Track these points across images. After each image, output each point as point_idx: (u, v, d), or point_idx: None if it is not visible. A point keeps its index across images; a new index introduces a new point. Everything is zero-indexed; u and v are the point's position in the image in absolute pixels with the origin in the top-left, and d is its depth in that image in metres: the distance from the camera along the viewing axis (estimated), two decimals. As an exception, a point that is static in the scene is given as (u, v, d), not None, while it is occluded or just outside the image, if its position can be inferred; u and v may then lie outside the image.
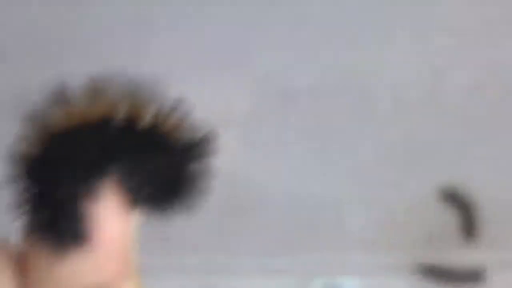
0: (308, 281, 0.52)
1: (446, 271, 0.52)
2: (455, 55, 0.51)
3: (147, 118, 0.14)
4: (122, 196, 0.15)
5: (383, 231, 0.52)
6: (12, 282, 0.15)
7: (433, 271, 0.52)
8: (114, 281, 0.15)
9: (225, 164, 0.47)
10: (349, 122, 0.53)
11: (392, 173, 0.52)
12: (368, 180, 0.53)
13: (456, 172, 0.51)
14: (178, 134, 0.15)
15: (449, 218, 0.52)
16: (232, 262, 0.53)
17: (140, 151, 0.14)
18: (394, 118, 0.53)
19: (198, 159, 0.15)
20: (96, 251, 0.15)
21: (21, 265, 0.15)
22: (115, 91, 0.14)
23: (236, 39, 0.52)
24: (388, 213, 0.52)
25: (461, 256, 0.52)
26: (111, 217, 0.15)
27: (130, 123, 0.14)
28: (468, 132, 0.51)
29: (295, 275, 0.53)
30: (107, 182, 0.14)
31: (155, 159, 0.15)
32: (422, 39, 0.52)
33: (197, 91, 0.47)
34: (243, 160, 0.55)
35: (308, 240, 0.54)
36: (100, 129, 0.14)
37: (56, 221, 0.14)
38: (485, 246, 0.52)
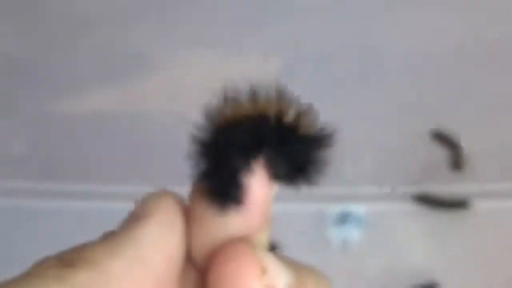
0: (326, 208, 0.57)
1: (437, 199, 0.56)
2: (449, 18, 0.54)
3: (288, 116, 0.17)
4: (268, 172, 0.17)
5: (386, 167, 0.57)
6: (182, 225, 0.18)
7: (426, 199, 0.56)
8: (254, 233, 0.18)
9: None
10: (360, 81, 0.57)
11: (394, 120, 0.56)
12: (375, 127, 0.57)
13: (446, 118, 0.55)
14: (309, 128, 0.18)
15: (440, 155, 0.56)
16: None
17: (282, 140, 0.17)
18: (398, 78, 0.56)
19: (321, 148, 0.18)
20: (246, 210, 0.17)
21: (187, 214, 0.18)
22: (268, 94, 0.17)
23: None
24: (390, 152, 0.57)
25: (450, 187, 0.56)
26: (260, 186, 0.17)
27: (277, 119, 0.17)
28: (456, 87, 0.55)
29: (315, 204, 0.58)
30: (258, 161, 0.17)
31: (292, 146, 0.17)
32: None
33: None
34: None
35: (325, 175, 0.61)
36: (256, 122, 0.17)
37: (221, 186, 0.17)
38: (469, 178, 0.56)
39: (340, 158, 0.58)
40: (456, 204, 0.55)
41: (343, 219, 0.58)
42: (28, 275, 0.17)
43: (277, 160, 0.17)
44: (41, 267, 0.17)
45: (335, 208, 0.58)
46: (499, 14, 0.54)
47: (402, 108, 0.56)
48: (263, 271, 0.17)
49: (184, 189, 0.20)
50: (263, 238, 0.18)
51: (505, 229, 0.55)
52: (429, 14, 0.54)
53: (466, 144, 0.56)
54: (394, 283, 0.54)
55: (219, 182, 0.17)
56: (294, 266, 0.18)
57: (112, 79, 0.55)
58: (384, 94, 0.57)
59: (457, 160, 0.55)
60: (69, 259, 0.17)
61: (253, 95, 0.17)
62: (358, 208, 0.57)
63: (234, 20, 0.56)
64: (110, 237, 0.18)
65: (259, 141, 0.17)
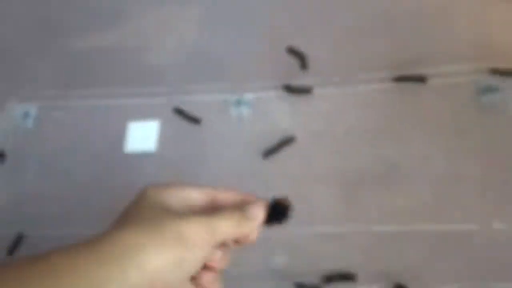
0: (229, 97, 0.76)
1: (295, 87, 0.73)
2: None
3: (287, 204, 0.46)
4: (275, 221, 0.45)
5: (264, 70, 0.77)
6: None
7: (289, 88, 0.73)
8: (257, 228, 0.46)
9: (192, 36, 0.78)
10: (248, 17, 0.78)
11: (268, 40, 0.77)
12: (256, 47, 0.77)
13: (298, 39, 0.75)
14: (290, 209, 0.46)
15: (295, 61, 0.75)
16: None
17: (283, 213, 0.45)
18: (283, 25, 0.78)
19: (289, 216, 0.46)
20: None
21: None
22: (283, 198, 0.47)
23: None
24: (266, 61, 0.76)
25: (301, 80, 0.74)
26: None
27: (284, 205, 0.46)
28: (305, 15, 0.77)
29: (223, 94, 0.77)
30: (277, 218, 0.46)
31: (285, 216, 0.45)
32: None
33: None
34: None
35: (227, 73, 0.79)
36: (281, 206, 0.45)
37: (272, 219, 0.45)
38: (312, 74, 0.75)
39: (237, 65, 0.85)
40: (305, 91, 0.73)
41: (239, 102, 0.74)
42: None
43: (277, 219, 0.46)
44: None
45: (234, 96, 0.75)
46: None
47: (274, 32, 0.77)
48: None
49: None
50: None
51: (332, 106, 0.73)
52: None
53: (309, 53, 0.75)
54: (270, 139, 0.71)
55: (272, 218, 0.46)
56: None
57: (102, 25, 0.79)
58: (261, 23, 0.78)
59: (303, 64, 0.74)
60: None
61: (280, 198, 0.47)
62: (249, 96, 0.74)
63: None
64: (247, 216, 0.44)
65: (279, 212, 0.46)
